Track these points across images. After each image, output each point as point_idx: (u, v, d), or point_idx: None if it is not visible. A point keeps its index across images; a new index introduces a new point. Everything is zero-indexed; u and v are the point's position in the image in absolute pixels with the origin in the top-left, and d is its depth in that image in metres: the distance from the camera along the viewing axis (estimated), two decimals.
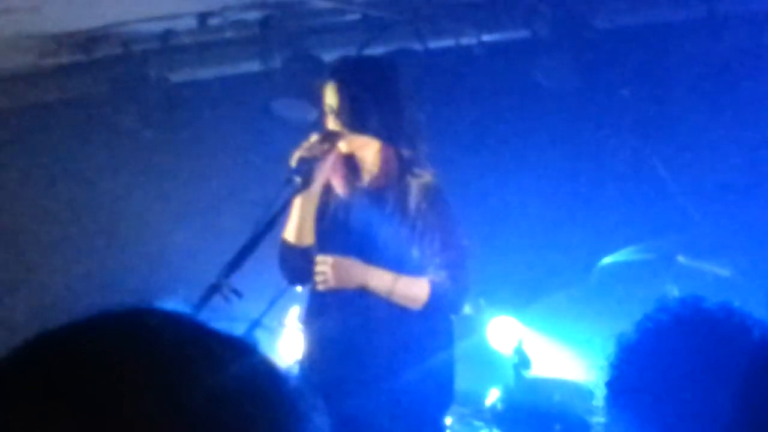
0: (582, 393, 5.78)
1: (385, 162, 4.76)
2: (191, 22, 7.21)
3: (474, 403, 5.81)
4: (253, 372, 1.12)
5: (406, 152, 4.73)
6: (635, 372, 2.09)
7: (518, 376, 5.80)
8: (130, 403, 1.05)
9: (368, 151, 4.76)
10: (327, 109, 4.75)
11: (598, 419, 5.70)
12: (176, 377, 1.07)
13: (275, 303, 4.90)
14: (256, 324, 4.87)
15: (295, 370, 4.85)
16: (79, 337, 1.11)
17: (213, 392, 1.07)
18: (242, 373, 1.11)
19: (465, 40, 6.90)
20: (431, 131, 4.93)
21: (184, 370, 1.08)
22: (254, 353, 1.15)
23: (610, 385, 2.11)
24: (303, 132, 4.91)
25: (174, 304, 1.18)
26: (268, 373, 1.13)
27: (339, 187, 4.79)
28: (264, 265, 4.68)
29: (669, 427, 2.03)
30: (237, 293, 4.35)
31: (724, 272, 5.76)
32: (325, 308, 4.74)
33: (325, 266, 4.68)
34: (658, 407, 2.05)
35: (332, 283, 4.67)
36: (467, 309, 5.48)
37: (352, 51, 6.75)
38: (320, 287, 4.70)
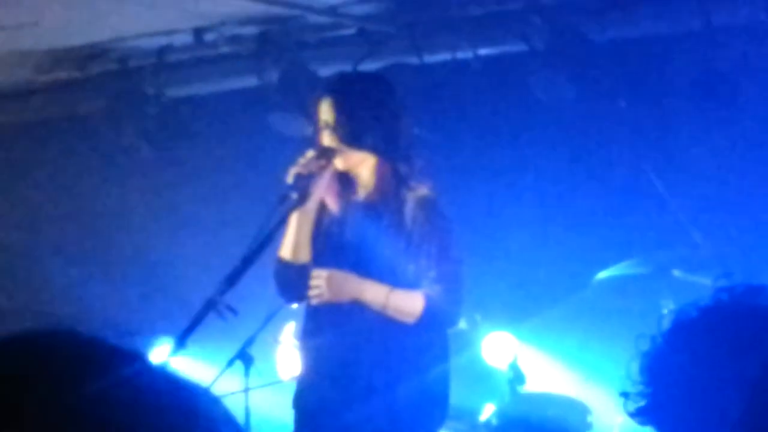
0: (577, 408, 5.78)
1: (380, 177, 4.74)
2: (187, 38, 7.22)
3: (469, 419, 5.80)
4: (143, 381, 1.14)
5: (402, 167, 4.72)
6: (691, 347, 2.11)
7: (513, 391, 5.81)
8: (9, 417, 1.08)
9: (364, 166, 4.75)
10: (322, 124, 4.73)
11: None
12: (58, 391, 1.10)
13: (270, 320, 4.91)
14: (251, 341, 4.88)
15: (293, 385, 4.86)
16: None
17: (98, 403, 1.10)
18: (130, 383, 1.13)
19: (461, 54, 6.90)
20: (427, 145, 4.93)
21: (67, 384, 1.11)
22: (144, 363, 1.17)
23: (661, 354, 2.12)
24: (300, 146, 4.90)
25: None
26: (159, 382, 1.16)
27: (332, 205, 4.78)
28: (260, 282, 4.68)
29: (724, 401, 2.04)
30: (232, 310, 4.35)
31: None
32: (320, 324, 4.73)
33: (319, 280, 4.67)
34: (713, 380, 2.07)
35: (326, 296, 4.66)
36: (462, 324, 5.48)
37: (348, 65, 6.75)
38: (314, 301, 4.69)
